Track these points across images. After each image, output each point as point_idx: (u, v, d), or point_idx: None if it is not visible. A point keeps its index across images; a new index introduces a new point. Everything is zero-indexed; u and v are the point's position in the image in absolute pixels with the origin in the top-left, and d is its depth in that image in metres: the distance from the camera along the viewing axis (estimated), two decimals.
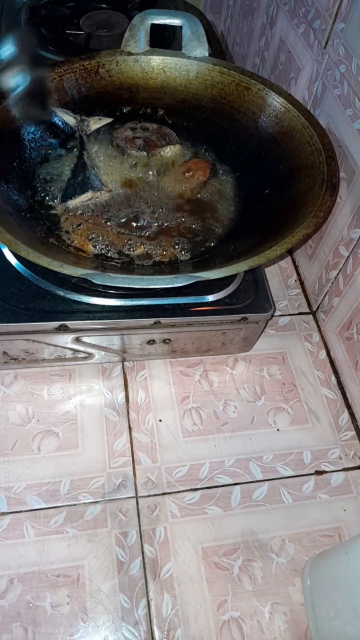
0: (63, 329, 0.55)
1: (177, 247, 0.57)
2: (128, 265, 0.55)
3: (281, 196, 0.58)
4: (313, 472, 0.60)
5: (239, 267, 0.47)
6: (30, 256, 0.46)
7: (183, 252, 0.57)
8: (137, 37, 0.64)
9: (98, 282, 0.44)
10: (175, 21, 0.63)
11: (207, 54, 0.65)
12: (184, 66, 0.65)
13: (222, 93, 0.65)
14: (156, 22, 0.64)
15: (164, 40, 0.76)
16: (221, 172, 0.65)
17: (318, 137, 0.57)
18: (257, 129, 0.63)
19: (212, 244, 0.58)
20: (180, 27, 0.64)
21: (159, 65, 0.66)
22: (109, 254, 0.56)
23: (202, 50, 0.65)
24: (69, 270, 0.45)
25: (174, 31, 0.80)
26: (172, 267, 0.56)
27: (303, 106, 0.61)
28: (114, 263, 0.55)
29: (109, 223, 0.57)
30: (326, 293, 0.70)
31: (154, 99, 0.67)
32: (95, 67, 0.64)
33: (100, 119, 0.64)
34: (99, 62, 0.64)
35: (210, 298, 0.58)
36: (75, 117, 0.63)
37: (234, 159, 0.65)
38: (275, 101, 0.61)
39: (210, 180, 0.63)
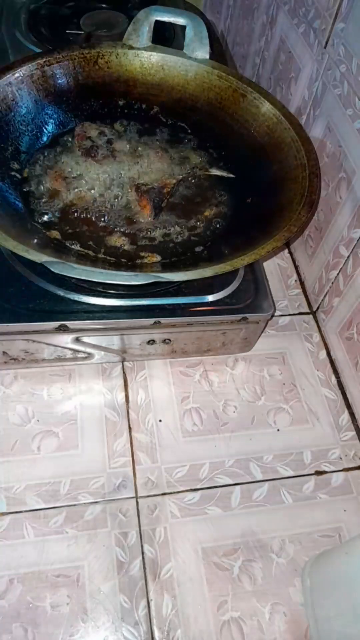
0: (63, 329, 0.55)
1: (150, 246, 0.57)
2: (96, 261, 0.55)
3: (261, 207, 0.58)
4: (313, 472, 0.60)
5: (204, 272, 0.48)
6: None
7: (156, 253, 0.56)
8: (140, 31, 0.64)
9: (57, 272, 0.45)
10: (179, 20, 0.63)
11: (208, 56, 0.65)
12: (184, 66, 0.65)
13: (218, 97, 0.65)
14: (160, 19, 0.63)
15: (165, 39, 0.77)
16: (208, 175, 0.65)
17: (305, 153, 0.57)
18: (248, 137, 0.63)
19: (185, 248, 0.58)
20: (183, 27, 0.64)
21: (159, 62, 0.66)
22: (84, 249, 0.56)
23: (203, 52, 0.65)
24: (34, 256, 0.45)
25: (174, 31, 0.80)
26: (141, 265, 0.56)
27: (296, 119, 0.61)
28: (86, 253, 0.55)
29: (89, 220, 0.57)
30: (326, 293, 0.70)
31: (150, 95, 0.67)
32: (94, 57, 0.64)
33: None
34: (99, 52, 0.64)
35: (210, 298, 0.58)
36: None
37: (223, 164, 0.65)
38: (269, 111, 0.61)
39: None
